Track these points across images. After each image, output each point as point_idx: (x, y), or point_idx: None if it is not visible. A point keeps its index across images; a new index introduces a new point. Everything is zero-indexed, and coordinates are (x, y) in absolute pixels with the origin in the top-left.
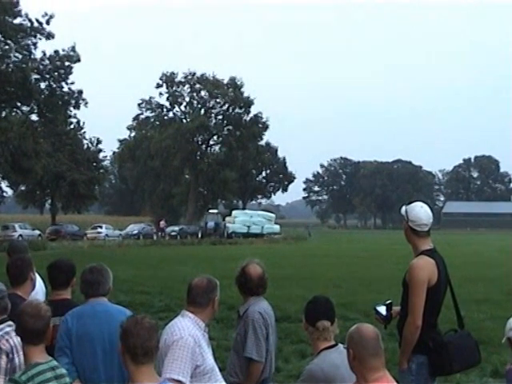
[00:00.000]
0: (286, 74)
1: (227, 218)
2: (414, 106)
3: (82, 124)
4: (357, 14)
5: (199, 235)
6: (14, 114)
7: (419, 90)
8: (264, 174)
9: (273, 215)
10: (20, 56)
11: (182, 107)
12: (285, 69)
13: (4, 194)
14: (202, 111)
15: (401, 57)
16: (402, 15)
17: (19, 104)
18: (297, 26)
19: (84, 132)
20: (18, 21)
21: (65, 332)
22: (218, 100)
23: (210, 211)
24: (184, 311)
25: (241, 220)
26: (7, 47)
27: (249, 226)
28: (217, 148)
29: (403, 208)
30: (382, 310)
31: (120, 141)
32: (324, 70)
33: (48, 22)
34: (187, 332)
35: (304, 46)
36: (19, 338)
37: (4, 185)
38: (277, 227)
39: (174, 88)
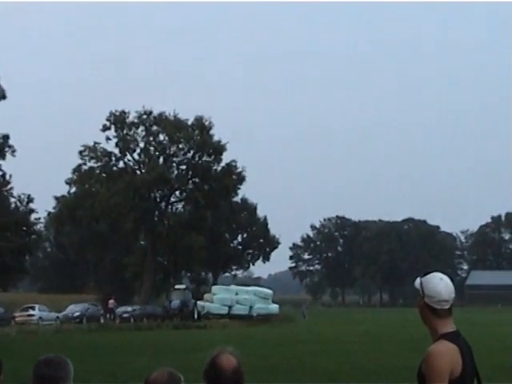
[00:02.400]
0: (264, 110)
1: (205, 295)
2: (428, 151)
3: (8, 178)
4: (344, 60)
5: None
6: None
7: (436, 132)
8: (240, 238)
9: (269, 292)
10: None
11: (136, 155)
12: (262, 104)
13: None
14: (161, 160)
15: (404, 107)
16: (392, 83)
17: None
18: (286, 56)
19: (11, 188)
20: None
21: None
22: (180, 146)
23: (176, 287)
24: None
25: (220, 298)
26: None
27: (230, 306)
28: (180, 206)
29: (417, 280)
30: None
31: (57, 198)
32: (315, 109)
33: None
34: None
35: (295, 76)
36: None
37: None
38: (275, 307)
39: (124, 131)
